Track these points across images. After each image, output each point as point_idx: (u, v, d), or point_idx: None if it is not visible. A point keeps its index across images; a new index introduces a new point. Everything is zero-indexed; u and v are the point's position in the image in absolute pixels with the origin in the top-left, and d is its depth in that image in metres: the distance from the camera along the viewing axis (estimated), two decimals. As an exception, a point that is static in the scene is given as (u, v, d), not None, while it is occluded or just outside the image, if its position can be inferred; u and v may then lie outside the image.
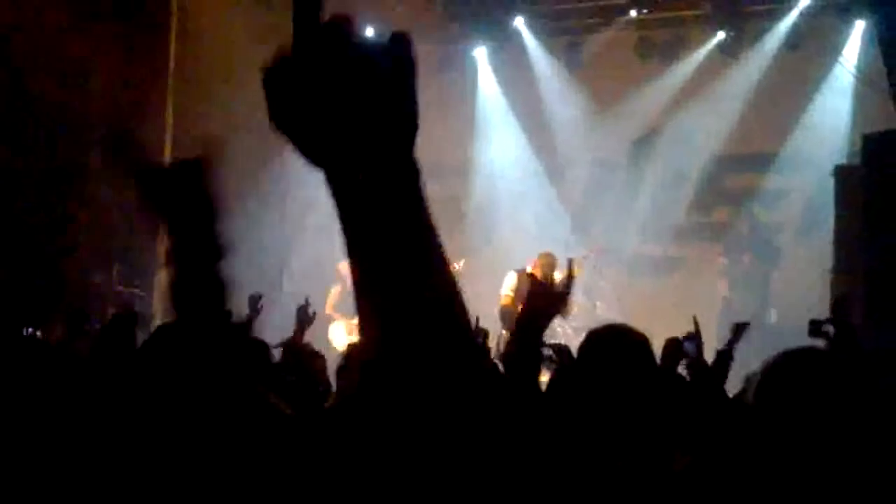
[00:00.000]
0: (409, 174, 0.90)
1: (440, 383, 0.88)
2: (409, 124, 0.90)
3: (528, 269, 9.20)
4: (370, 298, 0.89)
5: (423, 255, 0.89)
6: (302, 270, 11.00)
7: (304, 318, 5.60)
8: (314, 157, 0.90)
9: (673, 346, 4.36)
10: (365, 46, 0.89)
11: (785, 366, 2.35)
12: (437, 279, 0.90)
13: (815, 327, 4.52)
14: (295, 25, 0.88)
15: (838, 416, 2.19)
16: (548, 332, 9.39)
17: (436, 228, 0.91)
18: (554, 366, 5.14)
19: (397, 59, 0.90)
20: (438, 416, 0.87)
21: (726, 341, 4.70)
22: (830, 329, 4.52)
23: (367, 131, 0.88)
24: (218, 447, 2.52)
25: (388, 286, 0.88)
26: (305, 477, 1.82)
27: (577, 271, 10.00)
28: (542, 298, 2.97)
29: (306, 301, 5.72)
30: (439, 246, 0.91)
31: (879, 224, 7.39)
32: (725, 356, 4.51)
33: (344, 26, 0.89)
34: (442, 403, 0.87)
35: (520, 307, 3.06)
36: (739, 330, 4.85)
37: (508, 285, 9.76)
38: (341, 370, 4.57)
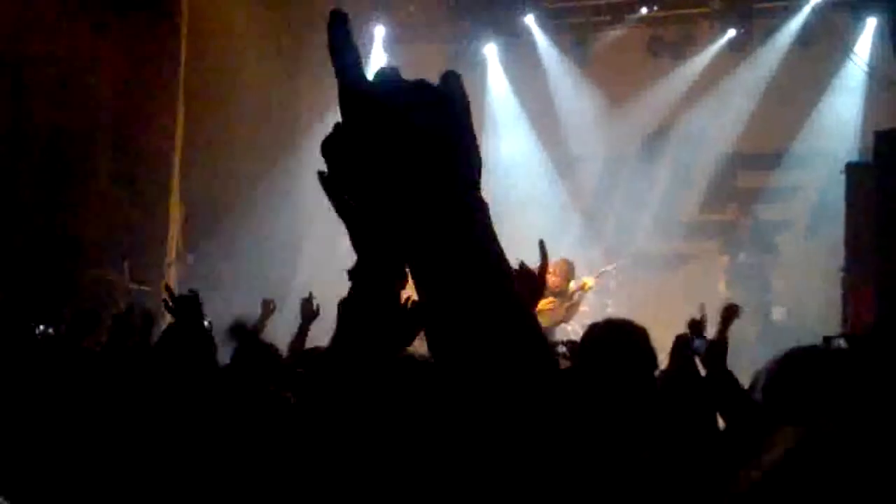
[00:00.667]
0: (473, 213, 0.88)
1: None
2: (470, 161, 0.89)
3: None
4: (441, 332, 0.89)
5: (493, 293, 0.88)
6: (312, 267, 11.03)
7: (309, 313, 5.45)
8: (378, 214, 0.89)
9: (681, 343, 4.34)
10: (413, 94, 0.88)
11: (791, 364, 2.36)
12: (509, 313, 0.88)
13: (826, 344, 4.49)
14: (340, 88, 0.88)
15: (846, 412, 2.19)
16: (559, 334, 9.33)
17: (504, 259, 0.90)
18: (568, 363, 5.15)
19: (449, 98, 0.89)
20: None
21: (717, 328, 4.67)
22: (842, 343, 4.50)
23: (426, 179, 0.87)
24: (233, 440, 2.55)
25: (458, 324, 0.87)
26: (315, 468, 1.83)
27: (593, 282, 9.88)
28: (520, 283, 2.98)
29: (310, 295, 5.53)
30: (508, 279, 0.90)
31: (891, 222, 7.37)
32: (719, 344, 4.49)
33: (390, 78, 0.88)
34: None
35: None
36: (728, 314, 4.83)
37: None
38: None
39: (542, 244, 3.09)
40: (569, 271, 9.38)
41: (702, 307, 4.52)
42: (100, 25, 9.47)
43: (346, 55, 0.88)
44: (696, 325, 4.44)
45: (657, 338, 3.60)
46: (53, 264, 9.00)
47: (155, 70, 10.21)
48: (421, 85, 0.89)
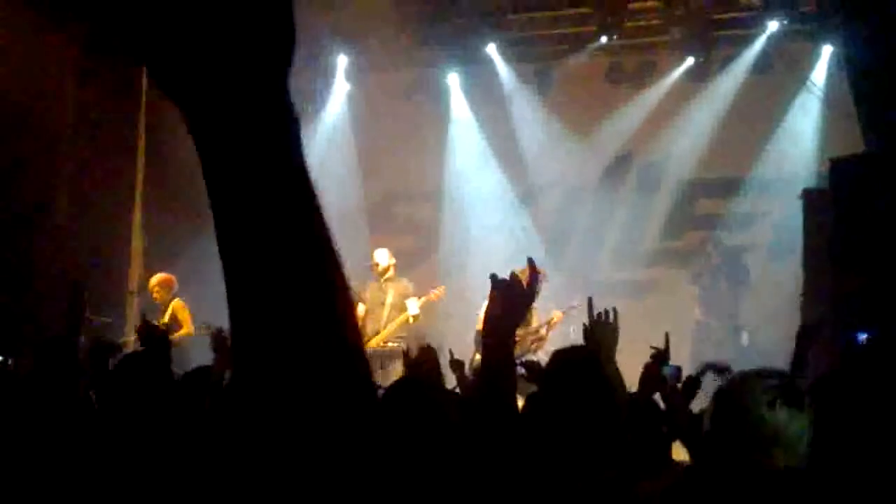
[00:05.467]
0: (283, 114, 0.75)
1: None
2: (282, 41, 0.74)
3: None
4: (237, 278, 0.77)
5: (295, 219, 0.76)
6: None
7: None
8: (171, 86, 0.73)
9: (652, 371, 4.30)
10: None
11: (729, 391, 2.40)
12: (314, 261, 0.76)
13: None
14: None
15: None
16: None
17: (313, 188, 0.77)
18: (527, 384, 5.12)
19: None
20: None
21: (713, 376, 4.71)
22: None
23: (232, 48, 0.72)
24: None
25: (257, 264, 0.76)
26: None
27: (560, 317, 9.79)
28: (508, 295, 2.94)
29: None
30: (317, 209, 0.77)
31: (846, 247, 7.46)
32: (694, 384, 4.53)
33: None
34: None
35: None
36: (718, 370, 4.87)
37: (485, 309, 9.69)
38: None
39: (530, 261, 3.05)
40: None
41: (666, 336, 4.53)
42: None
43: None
44: (661, 355, 4.43)
45: (625, 365, 3.60)
46: (10, 297, 8.88)
47: (119, 103, 10.20)
48: None
